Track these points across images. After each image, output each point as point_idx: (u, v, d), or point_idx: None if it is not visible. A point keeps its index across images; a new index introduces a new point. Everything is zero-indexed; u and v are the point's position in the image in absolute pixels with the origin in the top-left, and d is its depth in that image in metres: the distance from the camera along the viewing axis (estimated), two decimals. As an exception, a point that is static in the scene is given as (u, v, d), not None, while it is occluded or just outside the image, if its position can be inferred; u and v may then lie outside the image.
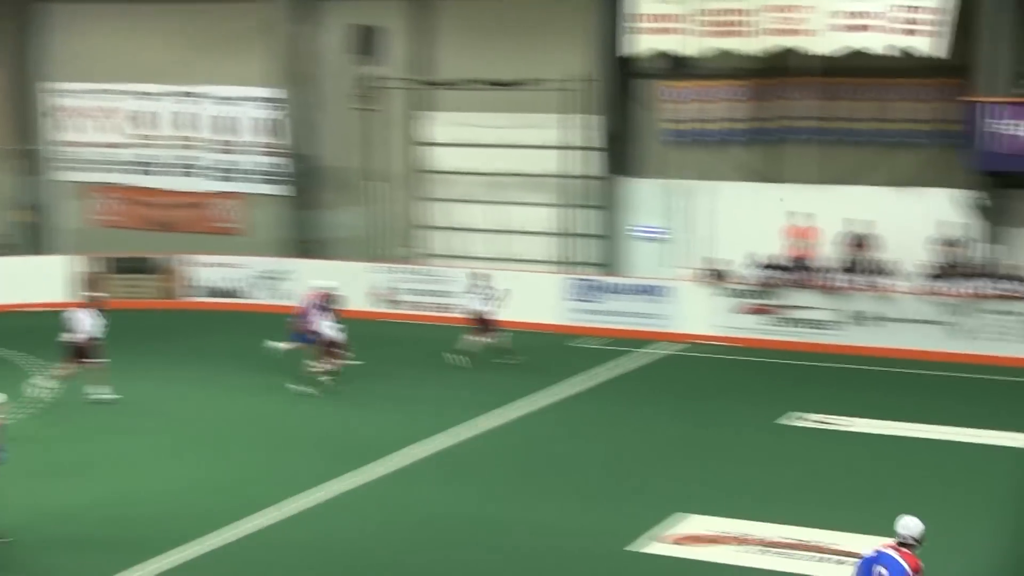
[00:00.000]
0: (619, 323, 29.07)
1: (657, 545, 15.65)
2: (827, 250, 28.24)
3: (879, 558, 10.99)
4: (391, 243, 32.89)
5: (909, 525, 11.20)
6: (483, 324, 26.13)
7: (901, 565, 10.84)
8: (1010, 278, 26.42)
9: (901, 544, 11.06)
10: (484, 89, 31.15)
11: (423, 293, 30.78)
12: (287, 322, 25.26)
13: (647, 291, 29.06)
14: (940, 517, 16.61)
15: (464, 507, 17.14)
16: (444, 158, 32.57)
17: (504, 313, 26.42)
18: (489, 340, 26.04)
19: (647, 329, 28.73)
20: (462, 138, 32.12)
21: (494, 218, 31.97)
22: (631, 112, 30.76)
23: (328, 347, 23.74)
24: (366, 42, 31.65)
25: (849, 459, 19.62)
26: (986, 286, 26.39)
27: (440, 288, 30.60)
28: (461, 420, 21.45)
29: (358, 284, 30.11)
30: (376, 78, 32.29)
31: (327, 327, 23.79)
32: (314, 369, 23.65)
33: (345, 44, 31.93)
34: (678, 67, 29.75)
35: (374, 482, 18.27)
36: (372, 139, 32.81)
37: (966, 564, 15.10)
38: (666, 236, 30.24)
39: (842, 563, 14.90)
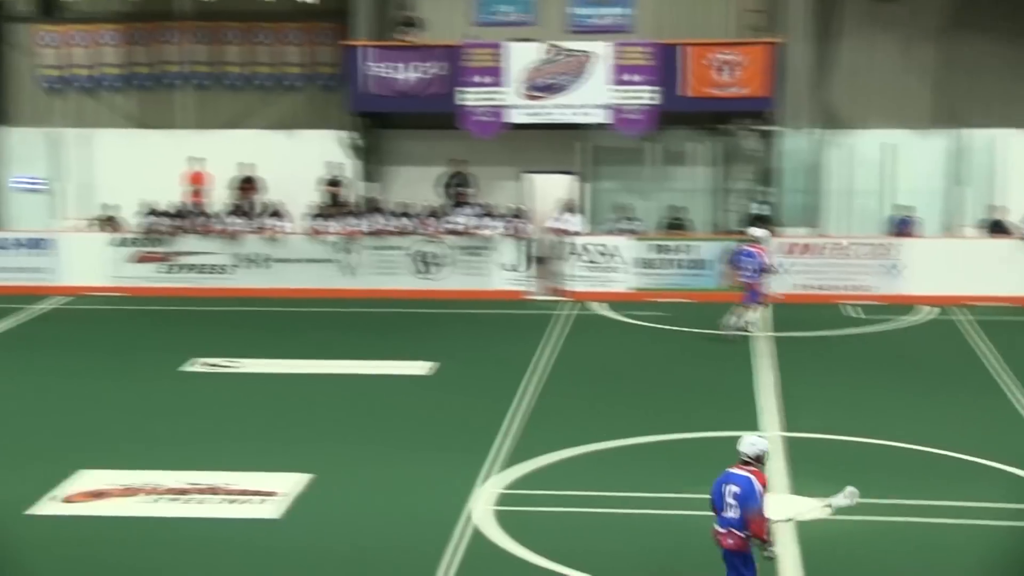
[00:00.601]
0: (2, 280, 27.79)
1: (57, 505, 15.30)
2: (218, 195, 28.48)
3: (727, 477, 11.37)
4: None
5: (747, 444, 11.51)
6: None
7: (749, 480, 11.27)
8: (387, 214, 27.83)
9: (744, 463, 11.43)
10: None
11: None
12: None
13: (31, 245, 28.01)
14: (339, 448, 17.44)
15: None
16: None
17: None
18: None
19: (34, 284, 27.67)
20: None
21: None
22: (5, 58, 29.35)
23: None
24: None
25: (250, 400, 20.00)
26: (366, 223, 27.64)
27: None
28: None
29: None
30: None
31: None
32: None
33: None
34: (53, 11, 28.79)
35: None
36: None
37: (370, 487, 15.93)
38: (47, 187, 29.25)
39: (234, 501, 15.27)
